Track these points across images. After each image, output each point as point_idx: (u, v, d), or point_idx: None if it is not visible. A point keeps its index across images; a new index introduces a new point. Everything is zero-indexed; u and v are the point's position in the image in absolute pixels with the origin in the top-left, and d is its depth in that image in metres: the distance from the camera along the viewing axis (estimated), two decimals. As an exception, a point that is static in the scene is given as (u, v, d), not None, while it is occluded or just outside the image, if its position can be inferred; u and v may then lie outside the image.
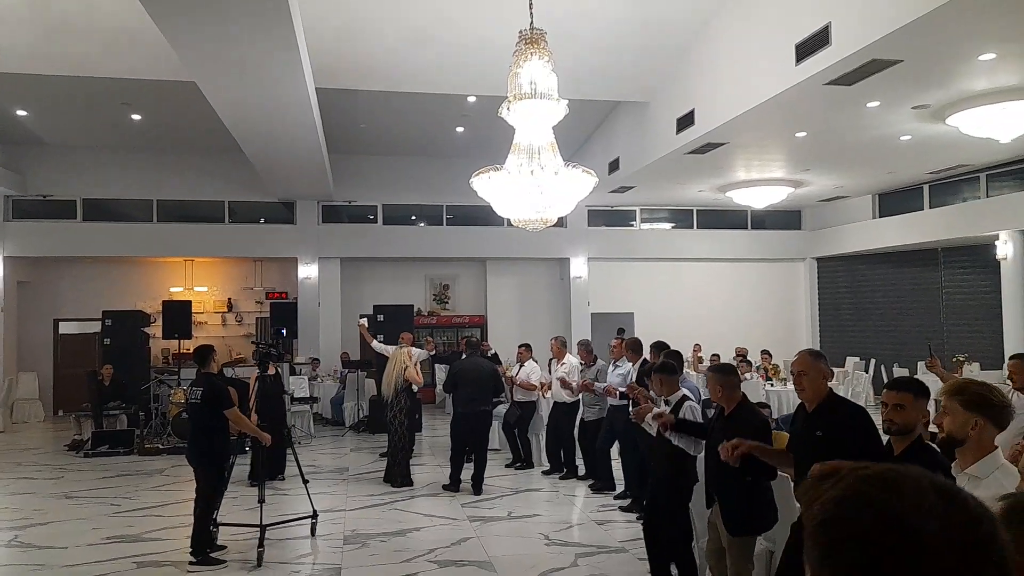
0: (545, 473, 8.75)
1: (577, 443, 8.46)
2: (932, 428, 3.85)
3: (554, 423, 8.68)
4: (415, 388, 8.66)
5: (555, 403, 8.64)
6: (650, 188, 13.72)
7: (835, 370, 12.64)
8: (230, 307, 15.81)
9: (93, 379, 11.48)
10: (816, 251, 16.59)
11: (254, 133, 10.31)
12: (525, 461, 9.15)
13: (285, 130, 10.06)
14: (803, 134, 9.79)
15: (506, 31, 6.99)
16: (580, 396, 8.29)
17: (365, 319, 10.19)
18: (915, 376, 13.07)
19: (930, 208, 13.74)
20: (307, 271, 14.78)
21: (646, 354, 7.32)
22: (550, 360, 9.09)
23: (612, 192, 13.75)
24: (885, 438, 3.01)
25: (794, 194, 13.64)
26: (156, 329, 13.67)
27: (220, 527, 5.96)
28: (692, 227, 16.24)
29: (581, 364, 8.32)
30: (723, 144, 10.13)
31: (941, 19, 6.07)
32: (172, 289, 15.31)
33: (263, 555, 5.71)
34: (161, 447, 10.48)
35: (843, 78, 7.43)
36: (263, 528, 5.82)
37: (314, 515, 6.42)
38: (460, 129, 13.49)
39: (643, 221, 16.21)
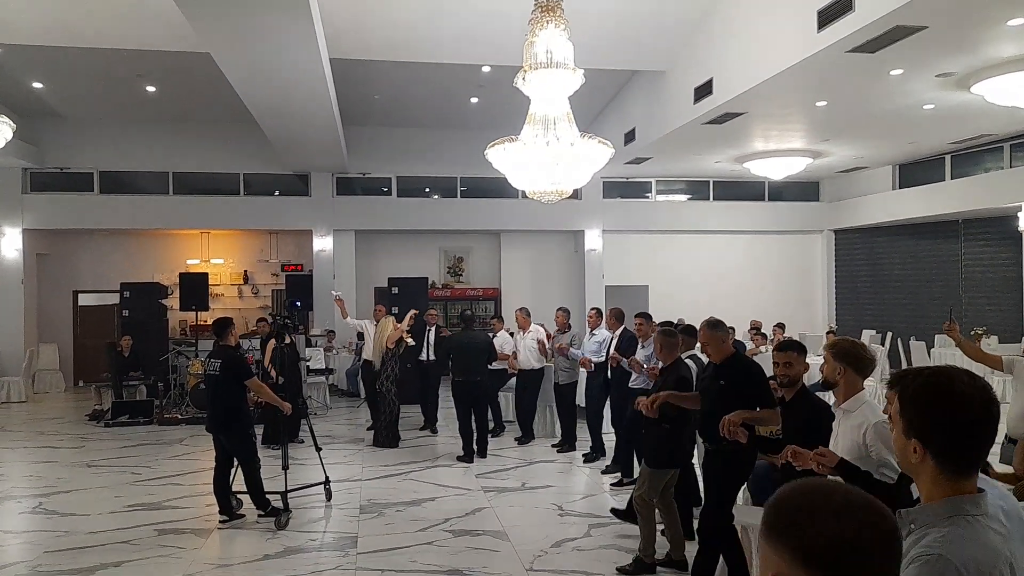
0: (518, 440, 9.06)
1: (555, 409, 8.92)
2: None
3: (520, 389, 9.13)
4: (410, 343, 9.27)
5: (520, 370, 9.01)
6: (666, 159, 13.56)
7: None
8: (246, 279, 15.90)
9: (112, 350, 11.62)
10: (834, 223, 16.37)
11: (268, 105, 10.25)
12: (497, 427, 9.49)
13: (299, 101, 10.00)
14: (823, 103, 9.60)
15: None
16: (551, 363, 8.75)
17: (338, 292, 10.40)
18: (931, 348, 12.95)
19: (952, 179, 13.49)
20: (322, 243, 14.80)
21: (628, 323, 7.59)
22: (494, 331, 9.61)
23: (628, 163, 13.61)
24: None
25: (813, 165, 13.43)
26: (173, 301, 13.77)
27: (238, 494, 6.05)
28: (708, 199, 16.07)
29: (556, 330, 8.68)
30: (741, 114, 9.96)
31: (969, -17, 5.88)
32: (189, 261, 15.40)
33: (287, 521, 5.80)
34: (180, 417, 10.62)
35: (866, 45, 7.24)
36: (285, 494, 5.92)
37: (326, 481, 6.55)
38: (475, 100, 13.35)
39: (659, 193, 16.04)
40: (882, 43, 7.18)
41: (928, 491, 1.50)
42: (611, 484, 7.16)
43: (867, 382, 3.38)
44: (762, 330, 11.71)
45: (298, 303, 12.10)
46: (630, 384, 6.82)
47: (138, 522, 6.01)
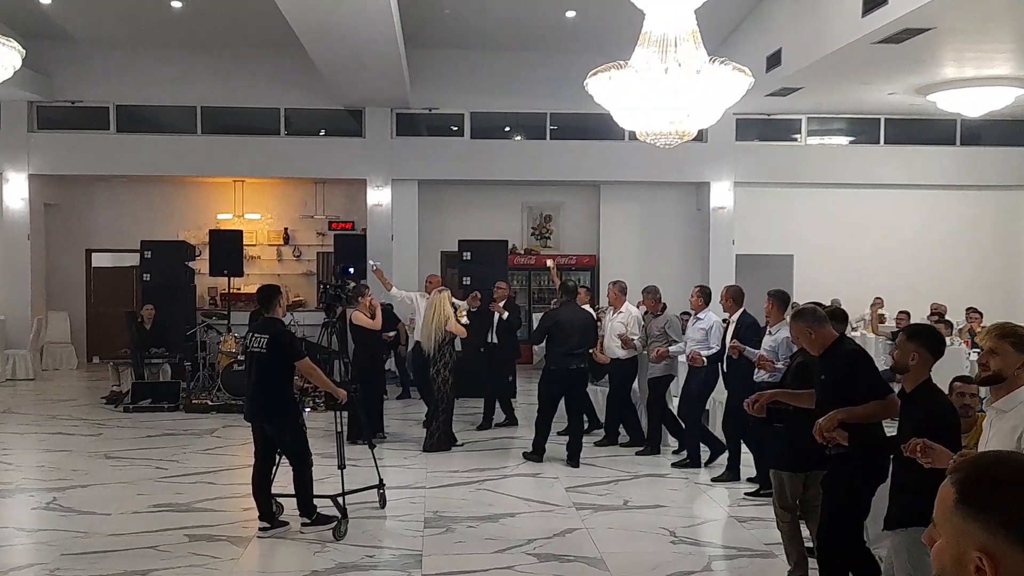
0: (598, 444, 9.14)
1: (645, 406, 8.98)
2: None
3: (610, 384, 9.18)
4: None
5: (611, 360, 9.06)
6: (822, 90, 13.27)
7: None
8: (287, 239, 16.54)
9: (132, 321, 12.35)
10: (1052, 176, 15.63)
11: (317, 23, 10.57)
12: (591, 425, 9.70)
13: (354, 18, 10.26)
14: (1042, 14, 9.17)
15: None
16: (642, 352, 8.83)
17: (377, 263, 10.64)
18: None
19: None
20: (378, 196, 15.21)
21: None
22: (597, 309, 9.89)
23: (770, 95, 13.37)
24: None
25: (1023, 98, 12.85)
26: (202, 264, 14.50)
27: (278, 497, 6.40)
28: (878, 142, 15.61)
29: (646, 313, 8.77)
30: (927, 30, 9.65)
31: None
32: (220, 216, 16.16)
33: (345, 530, 6.11)
34: (210, 404, 11.25)
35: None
36: (341, 497, 6.25)
37: (380, 484, 6.86)
38: (571, 14, 13.34)
39: (810, 134, 15.71)
40: None
41: None
42: (745, 493, 7.34)
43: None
44: (946, 316, 11.38)
45: (351, 269, 12.52)
46: (755, 378, 6.79)
47: (165, 525, 6.46)
